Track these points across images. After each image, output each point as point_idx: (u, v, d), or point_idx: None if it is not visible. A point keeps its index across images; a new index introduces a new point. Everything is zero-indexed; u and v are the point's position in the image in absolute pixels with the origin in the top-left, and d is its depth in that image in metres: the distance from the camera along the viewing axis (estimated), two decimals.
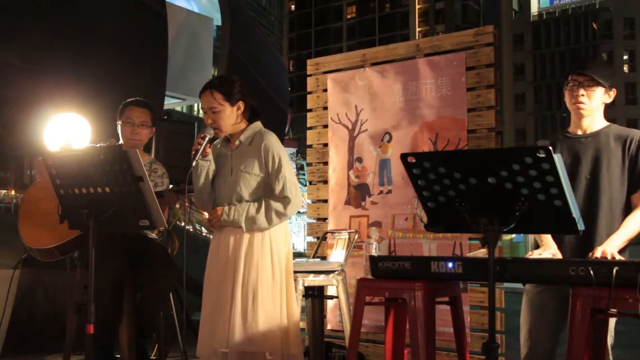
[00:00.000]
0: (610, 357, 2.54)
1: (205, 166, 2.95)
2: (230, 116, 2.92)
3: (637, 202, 2.60)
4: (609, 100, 2.71)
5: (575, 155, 2.68)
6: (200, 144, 2.84)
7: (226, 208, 2.88)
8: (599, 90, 2.66)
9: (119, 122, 3.49)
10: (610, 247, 2.44)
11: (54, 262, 3.48)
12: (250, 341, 2.78)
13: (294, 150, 32.06)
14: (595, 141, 2.67)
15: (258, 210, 2.84)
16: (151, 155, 4.05)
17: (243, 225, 2.84)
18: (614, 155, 2.63)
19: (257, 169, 2.89)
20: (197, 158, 2.86)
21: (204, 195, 2.99)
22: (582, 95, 2.65)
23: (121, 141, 3.49)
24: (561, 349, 2.49)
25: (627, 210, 2.63)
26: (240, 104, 2.94)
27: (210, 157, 2.96)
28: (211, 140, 2.92)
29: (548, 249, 2.60)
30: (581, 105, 2.66)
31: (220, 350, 2.81)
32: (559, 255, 2.56)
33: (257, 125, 3.01)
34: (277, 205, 2.85)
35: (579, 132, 2.73)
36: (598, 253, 2.42)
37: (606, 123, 2.75)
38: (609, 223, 2.60)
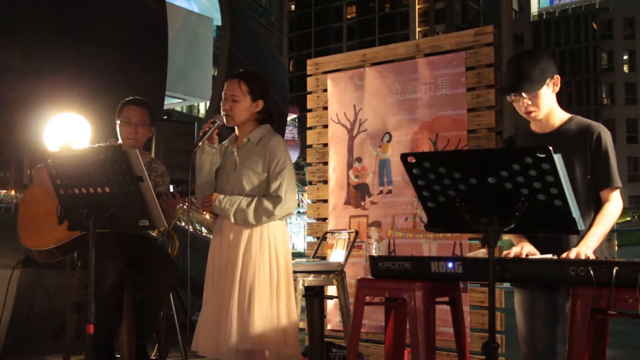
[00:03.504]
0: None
1: (210, 152, 3.00)
2: (247, 110, 2.99)
3: (605, 198, 2.57)
4: (556, 88, 2.63)
5: None
6: (210, 128, 2.92)
7: (221, 196, 2.94)
8: (542, 91, 2.57)
9: (117, 122, 3.48)
10: (585, 249, 2.40)
11: (54, 262, 3.48)
12: (246, 339, 2.80)
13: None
14: (556, 140, 2.57)
15: (249, 205, 2.88)
16: (150, 154, 4.04)
17: (231, 216, 2.90)
18: (575, 153, 2.58)
19: (260, 168, 2.93)
20: (203, 140, 2.92)
21: (207, 188, 3.02)
22: (528, 104, 2.57)
23: (120, 140, 3.48)
24: (560, 349, 2.50)
25: (590, 205, 2.59)
26: (260, 102, 3.02)
27: (217, 145, 3.02)
28: (221, 128, 2.98)
29: (526, 246, 2.57)
30: (533, 114, 2.60)
31: (218, 348, 2.83)
32: (535, 252, 2.54)
33: (267, 127, 3.07)
34: (267, 204, 2.89)
35: (540, 131, 2.68)
36: (572, 254, 2.37)
37: (566, 116, 2.67)
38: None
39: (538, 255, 2.51)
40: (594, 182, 2.59)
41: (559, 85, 2.64)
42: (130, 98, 3.54)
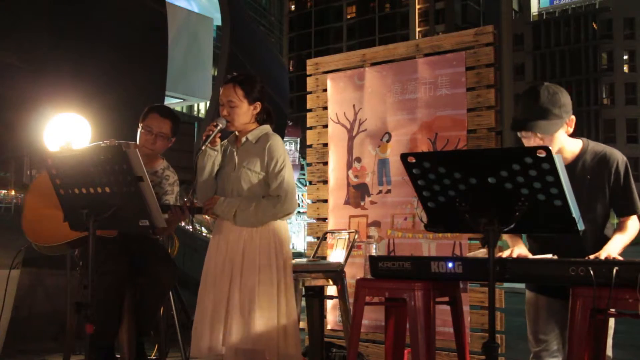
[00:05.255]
0: (610, 353, 2.55)
1: (212, 156, 2.99)
2: (246, 113, 2.98)
3: (624, 221, 2.59)
4: (570, 130, 2.55)
5: None
6: (212, 131, 2.90)
7: (221, 199, 2.94)
8: (558, 133, 2.51)
9: (140, 125, 3.43)
10: (613, 252, 2.43)
11: (54, 262, 3.47)
12: (247, 339, 2.79)
13: (297, 138, 31.77)
14: (572, 174, 2.46)
15: (249, 206, 2.89)
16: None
17: (232, 217, 2.90)
18: (593, 185, 2.56)
19: (259, 167, 2.93)
20: (206, 143, 2.92)
21: (208, 189, 3.02)
22: (540, 144, 2.46)
23: (137, 142, 3.44)
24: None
25: (608, 232, 2.60)
26: (257, 104, 3.01)
27: (219, 147, 3.02)
28: (222, 132, 2.97)
29: (516, 248, 2.57)
30: None
31: (218, 348, 2.82)
32: (527, 254, 2.54)
33: (266, 127, 3.06)
34: (268, 205, 2.89)
35: None
36: (603, 255, 2.40)
37: (578, 146, 2.61)
38: (597, 249, 2.54)
39: (538, 255, 2.52)
40: (614, 210, 2.59)
41: (573, 126, 2.55)
42: (158, 105, 3.49)
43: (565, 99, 2.50)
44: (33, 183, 3.50)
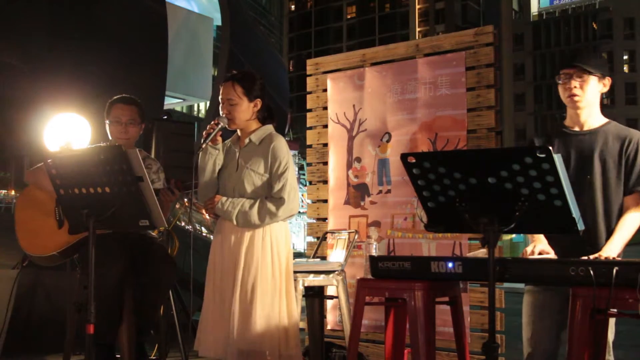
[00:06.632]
0: (612, 354, 2.54)
1: (213, 154, 2.99)
2: (246, 111, 2.98)
3: (629, 205, 2.59)
4: (604, 89, 2.67)
5: (571, 153, 2.65)
6: (213, 129, 2.91)
7: (223, 199, 2.94)
8: (592, 80, 2.61)
9: (107, 122, 3.43)
10: (610, 255, 2.43)
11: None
12: (248, 340, 2.80)
13: (295, 152, 32.00)
14: (593, 139, 2.63)
15: (252, 207, 2.88)
16: (150, 154, 4.04)
17: (234, 218, 2.90)
18: (611, 155, 2.60)
19: (262, 169, 2.93)
20: (207, 141, 2.92)
21: (209, 189, 3.01)
22: (575, 87, 2.61)
23: (110, 139, 3.46)
24: (562, 349, 2.50)
25: (620, 208, 2.61)
26: (258, 101, 3.01)
27: (220, 146, 3.01)
28: (223, 130, 2.97)
29: (539, 244, 2.59)
30: (576, 98, 2.62)
31: (223, 347, 2.83)
32: (549, 251, 2.56)
33: (269, 127, 3.06)
34: (270, 206, 2.88)
35: (577, 128, 2.69)
36: (604, 255, 2.41)
37: (605, 120, 2.70)
38: (606, 223, 2.59)
39: (530, 252, 2.53)
40: (625, 185, 2.60)
41: (607, 87, 2.68)
42: (118, 96, 3.48)
43: (605, 60, 2.75)
44: (18, 200, 3.52)
